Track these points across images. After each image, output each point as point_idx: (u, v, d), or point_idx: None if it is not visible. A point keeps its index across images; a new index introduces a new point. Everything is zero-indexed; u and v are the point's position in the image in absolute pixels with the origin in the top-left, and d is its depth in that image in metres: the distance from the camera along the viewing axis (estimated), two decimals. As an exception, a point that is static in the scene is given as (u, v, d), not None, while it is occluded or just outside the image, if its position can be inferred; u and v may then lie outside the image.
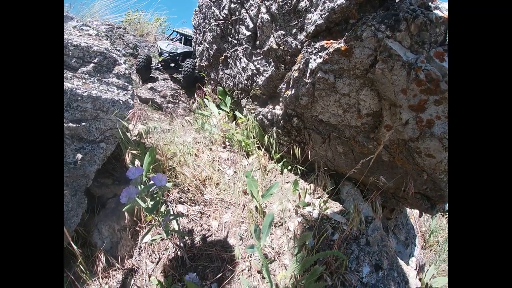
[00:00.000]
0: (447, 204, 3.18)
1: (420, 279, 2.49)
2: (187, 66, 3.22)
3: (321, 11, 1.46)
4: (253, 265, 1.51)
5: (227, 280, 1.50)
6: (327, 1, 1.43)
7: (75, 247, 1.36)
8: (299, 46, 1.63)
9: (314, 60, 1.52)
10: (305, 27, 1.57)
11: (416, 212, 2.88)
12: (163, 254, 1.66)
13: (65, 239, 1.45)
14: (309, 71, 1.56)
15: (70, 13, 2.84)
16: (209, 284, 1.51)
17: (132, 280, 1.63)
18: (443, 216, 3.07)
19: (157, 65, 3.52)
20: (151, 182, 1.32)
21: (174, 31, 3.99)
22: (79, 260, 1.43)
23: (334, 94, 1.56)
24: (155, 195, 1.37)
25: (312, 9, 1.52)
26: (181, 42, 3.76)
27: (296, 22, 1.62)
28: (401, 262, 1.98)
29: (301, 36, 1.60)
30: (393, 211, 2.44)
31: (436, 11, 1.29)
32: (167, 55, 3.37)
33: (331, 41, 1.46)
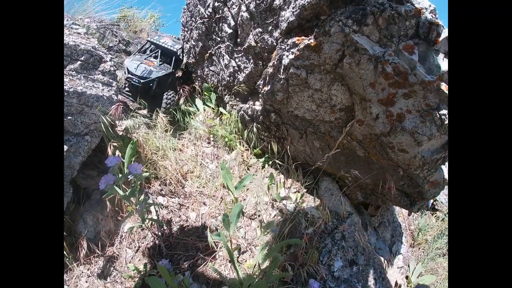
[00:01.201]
0: (431, 202, 3.22)
1: (406, 277, 2.57)
2: (169, 102, 2.74)
3: (293, 8, 1.57)
4: (225, 254, 1.63)
5: (199, 268, 1.62)
6: (298, -1, 1.53)
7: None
8: (274, 43, 1.75)
9: (287, 56, 1.63)
10: (279, 24, 1.68)
11: (405, 210, 2.94)
12: (142, 243, 1.80)
13: None
14: (282, 67, 1.68)
15: (71, 12, 3.01)
16: (183, 272, 1.63)
17: (112, 267, 1.77)
18: (432, 214, 3.12)
19: (123, 89, 2.88)
20: (127, 170, 1.45)
21: (148, 41, 3.33)
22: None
23: (307, 89, 1.67)
24: (132, 184, 1.51)
25: (285, 7, 1.63)
26: (156, 58, 3.08)
27: (272, 19, 1.73)
28: (380, 258, 2.06)
29: (276, 33, 1.72)
30: (378, 208, 2.52)
31: (407, 4, 1.37)
32: (136, 81, 2.73)
33: (302, 37, 1.57)
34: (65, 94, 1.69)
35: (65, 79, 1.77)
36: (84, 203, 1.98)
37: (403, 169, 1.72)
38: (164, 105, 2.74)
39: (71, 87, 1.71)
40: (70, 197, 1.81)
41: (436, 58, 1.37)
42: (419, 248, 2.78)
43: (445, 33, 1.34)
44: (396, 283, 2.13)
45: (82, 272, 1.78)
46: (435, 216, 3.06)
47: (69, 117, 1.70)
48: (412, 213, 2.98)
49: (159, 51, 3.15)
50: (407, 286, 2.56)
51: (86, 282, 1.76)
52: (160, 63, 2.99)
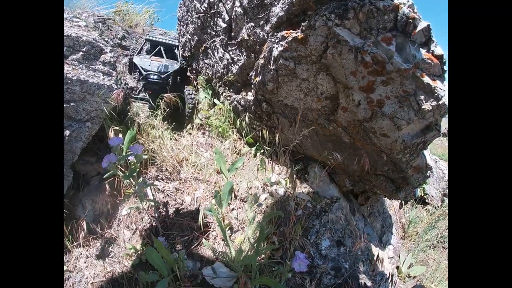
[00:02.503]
0: (418, 191, 3.46)
1: (397, 268, 2.78)
2: (192, 100, 2.74)
3: (282, 4, 1.81)
4: (218, 233, 1.83)
5: (194, 246, 1.83)
6: (286, -5, 1.77)
7: None
8: (265, 37, 1.98)
9: (277, 48, 1.86)
10: (270, 19, 1.92)
11: (396, 204, 3.17)
12: (139, 224, 2.00)
13: None
14: (272, 58, 1.91)
15: (68, 6, 3.24)
16: (179, 249, 1.83)
17: (110, 248, 1.97)
18: (423, 208, 3.35)
19: (141, 93, 2.92)
20: (129, 151, 1.66)
21: (146, 40, 3.41)
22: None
23: (295, 79, 1.90)
24: (132, 166, 1.72)
25: (276, 3, 1.87)
26: (159, 55, 3.18)
27: (263, 14, 1.97)
28: (368, 243, 2.27)
29: (267, 27, 1.95)
30: (368, 198, 2.75)
31: (386, 0, 1.58)
32: (156, 77, 2.77)
33: (291, 31, 1.80)
34: (69, 82, 1.91)
35: (68, 68, 1.98)
36: (83, 189, 2.19)
37: (386, 154, 1.94)
38: (189, 105, 2.74)
39: (74, 75, 1.93)
40: (70, 181, 2.02)
41: (412, 48, 1.58)
42: (410, 240, 3.00)
43: (421, 25, 1.57)
44: (390, 274, 2.33)
45: (81, 254, 1.98)
46: (425, 209, 3.29)
47: (72, 104, 1.91)
48: (403, 206, 3.20)
49: (160, 47, 3.27)
50: (398, 276, 2.78)
51: (85, 262, 1.96)
52: (166, 59, 3.14)
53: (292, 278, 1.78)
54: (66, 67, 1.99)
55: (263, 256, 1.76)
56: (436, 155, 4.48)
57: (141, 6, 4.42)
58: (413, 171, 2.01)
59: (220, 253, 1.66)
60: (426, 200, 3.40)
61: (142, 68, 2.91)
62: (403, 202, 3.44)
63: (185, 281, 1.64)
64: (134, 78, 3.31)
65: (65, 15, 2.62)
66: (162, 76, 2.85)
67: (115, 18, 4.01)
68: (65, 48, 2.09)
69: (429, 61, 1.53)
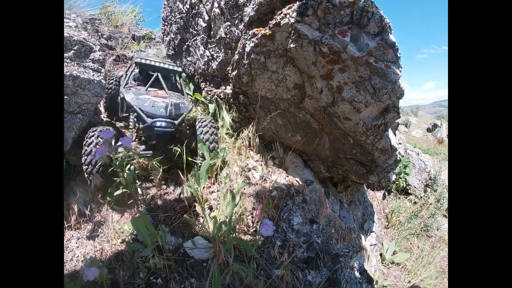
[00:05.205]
0: (393, 176, 3.93)
1: (381, 254, 3.22)
2: (212, 134, 2.50)
3: (253, 5, 2.31)
4: (198, 211, 2.30)
5: (176, 223, 2.29)
6: (256, -4, 2.28)
7: None
8: (240, 34, 2.49)
9: (249, 44, 2.36)
10: (243, 18, 2.42)
11: (380, 195, 3.62)
12: (128, 209, 2.46)
13: None
14: (246, 54, 2.40)
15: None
16: (161, 224, 2.29)
17: (100, 229, 2.42)
18: (406, 198, 3.81)
19: (140, 145, 2.48)
20: (119, 143, 2.13)
21: (137, 64, 2.91)
22: None
23: (266, 72, 2.39)
24: (123, 157, 2.18)
25: (248, 4, 2.37)
26: (158, 86, 2.79)
27: (238, 14, 2.48)
28: (342, 223, 2.72)
29: (241, 26, 2.46)
30: (348, 187, 3.21)
31: None
32: (166, 125, 2.39)
33: (260, 28, 2.30)
34: (62, 78, 2.41)
35: (60, 67, 2.48)
36: (74, 178, 2.65)
37: (351, 137, 2.41)
38: (209, 144, 2.47)
39: (67, 71, 2.42)
40: (63, 169, 2.48)
41: (366, 38, 1.97)
42: (394, 229, 3.45)
43: (374, 17, 1.91)
44: (360, 247, 2.77)
45: (73, 236, 2.43)
46: (408, 199, 3.74)
47: (65, 97, 2.41)
48: (387, 197, 3.65)
49: (157, 75, 2.82)
50: (382, 263, 3.22)
51: (76, 243, 2.40)
52: (167, 91, 2.74)
53: (266, 250, 2.23)
54: (59, 65, 2.50)
55: (237, 231, 2.22)
56: (419, 149, 4.95)
57: (126, 6, 4.99)
58: (379, 152, 2.47)
59: (198, 225, 2.11)
60: (409, 191, 3.85)
61: (143, 110, 2.39)
62: (386, 193, 3.90)
63: (167, 253, 2.09)
64: (124, 121, 2.75)
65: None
66: (175, 121, 2.41)
67: (101, 18, 4.55)
68: (56, 48, 2.60)
69: (382, 48, 1.92)
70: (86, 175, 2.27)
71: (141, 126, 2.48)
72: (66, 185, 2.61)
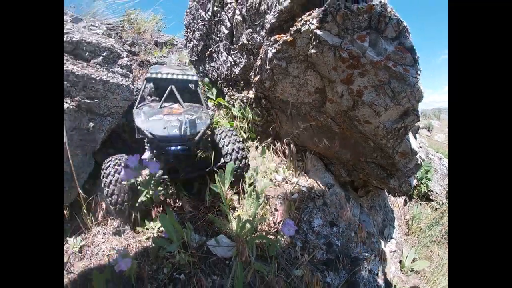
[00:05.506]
0: (414, 181, 3.92)
1: (400, 262, 3.24)
2: (243, 159, 2.40)
3: (274, 12, 2.44)
4: (221, 209, 2.40)
5: (199, 222, 2.40)
6: (277, 5, 2.40)
7: (82, 199, 2.32)
8: (262, 41, 2.61)
9: (271, 50, 2.47)
10: (265, 25, 2.55)
11: (400, 201, 3.64)
12: (153, 207, 2.59)
13: (74, 192, 2.45)
14: (268, 59, 2.52)
15: (79, 15, 4.03)
16: (186, 222, 2.41)
17: (126, 226, 2.56)
18: (427, 204, 3.80)
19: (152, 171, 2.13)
20: (147, 169, 2.17)
21: (147, 79, 2.78)
22: (83, 207, 2.38)
23: (288, 76, 2.49)
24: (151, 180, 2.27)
25: (269, 11, 2.50)
26: (172, 99, 2.63)
27: (259, 21, 2.60)
28: (362, 227, 2.77)
29: (263, 33, 2.58)
30: (368, 192, 3.25)
31: (362, 3, 1.98)
32: (181, 148, 2.29)
33: (282, 35, 2.42)
34: (93, 81, 2.56)
35: (91, 70, 2.65)
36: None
37: (372, 140, 2.47)
38: (240, 170, 2.39)
39: (98, 76, 2.59)
40: (92, 167, 2.64)
41: (384, 42, 2.05)
42: (414, 236, 3.45)
43: (392, 22, 1.98)
44: (380, 251, 2.80)
45: (99, 231, 2.57)
46: (430, 205, 3.73)
47: (95, 100, 2.57)
48: (408, 203, 3.66)
49: (171, 87, 2.62)
50: (401, 270, 3.22)
51: (102, 238, 2.54)
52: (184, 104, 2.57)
53: (286, 251, 2.30)
54: (89, 69, 2.66)
55: (259, 232, 2.31)
56: (442, 154, 4.91)
57: (148, 13, 5.25)
58: (399, 156, 2.52)
59: (222, 224, 2.21)
60: (431, 197, 3.84)
61: (154, 135, 2.25)
62: (407, 199, 3.90)
63: (192, 250, 2.20)
64: (141, 146, 2.64)
65: (84, 24, 3.37)
66: (191, 140, 2.28)
67: (124, 25, 4.80)
68: (87, 53, 2.77)
69: (400, 52, 1.98)
70: (111, 207, 2.26)
71: (153, 150, 2.42)
72: (94, 184, 2.77)
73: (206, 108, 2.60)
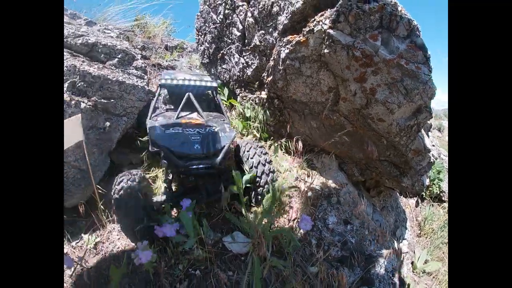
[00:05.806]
0: (427, 180, 3.95)
1: (412, 263, 3.26)
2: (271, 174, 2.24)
3: (286, 13, 2.53)
4: (237, 207, 2.46)
5: (215, 219, 2.45)
6: (290, 6, 2.48)
7: (97, 197, 2.39)
8: (274, 42, 2.69)
9: (284, 51, 2.55)
10: (277, 27, 2.63)
11: (412, 202, 3.67)
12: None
13: (90, 189, 2.52)
14: (281, 60, 2.60)
15: (93, 19, 4.16)
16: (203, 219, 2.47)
17: (142, 224, 2.62)
18: (439, 205, 3.82)
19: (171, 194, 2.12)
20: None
21: (161, 85, 2.65)
22: (99, 206, 2.45)
23: (301, 76, 2.57)
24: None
25: (281, 13, 2.59)
26: (189, 107, 2.45)
27: (271, 23, 2.70)
28: (376, 226, 2.80)
29: (275, 34, 2.67)
30: (380, 193, 3.30)
31: (373, 3, 2.05)
32: (205, 166, 2.09)
33: (295, 35, 2.50)
34: (109, 82, 2.65)
35: (107, 71, 2.75)
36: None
37: (385, 138, 2.52)
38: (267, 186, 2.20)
39: (114, 77, 2.69)
40: (108, 165, 2.72)
41: (396, 41, 2.09)
42: (426, 238, 3.48)
43: (403, 21, 2.05)
44: (395, 250, 2.83)
45: (114, 228, 2.64)
46: (442, 207, 3.76)
47: (112, 100, 2.66)
48: (420, 204, 3.69)
49: (188, 95, 2.43)
50: (413, 271, 3.24)
51: (117, 235, 2.60)
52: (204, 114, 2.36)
53: (302, 247, 2.35)
54: (105, 71, 2.76)
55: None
56: None
57: (158, 18, 5.40)
58: (412, 154, 2.57)
59: (238, 219, 2.26)
60: (443, 198, 3.86)
61: (172, 151, 2.05)
62: (419, 200, 3.93)
63: (208, 246, 2.25)
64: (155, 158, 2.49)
65: (98, 27, 3.49)
66: (216, 157, 2.08)
67: (134, 30, 4.94)
68: (102, 55, 2.87)
69: (412, 50, 2.03)
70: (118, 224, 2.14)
71: (171, 169, 2.18)
72: (109, 182, 2.84)
73: (228, 118, 2.41)
